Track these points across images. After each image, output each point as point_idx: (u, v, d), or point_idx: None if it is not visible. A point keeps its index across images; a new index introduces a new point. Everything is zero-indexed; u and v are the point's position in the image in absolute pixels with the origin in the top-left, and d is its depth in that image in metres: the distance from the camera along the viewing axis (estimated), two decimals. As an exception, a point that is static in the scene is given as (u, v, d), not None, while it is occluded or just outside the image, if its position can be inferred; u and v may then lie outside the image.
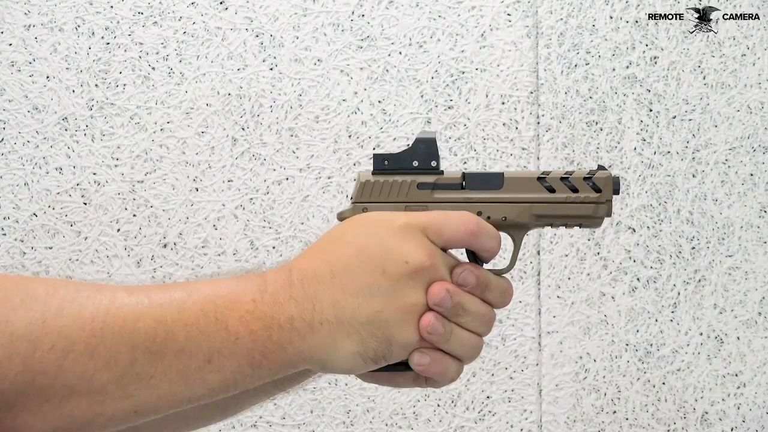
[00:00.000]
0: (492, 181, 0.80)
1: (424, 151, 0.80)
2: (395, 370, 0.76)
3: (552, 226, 0.82)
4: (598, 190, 0.81)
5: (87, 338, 0.66)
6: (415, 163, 0.80)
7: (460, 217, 0.76)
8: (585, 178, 0.81)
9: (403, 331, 0.73)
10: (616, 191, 0.81)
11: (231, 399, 0.77)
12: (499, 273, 0.79)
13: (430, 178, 0.80)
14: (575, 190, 0.81)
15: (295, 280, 0.72)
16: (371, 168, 0.81)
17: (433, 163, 0.80)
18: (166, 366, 0.68)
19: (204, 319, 0.69)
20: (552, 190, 0.81)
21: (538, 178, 0.81)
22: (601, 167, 0.82)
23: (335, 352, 0.71)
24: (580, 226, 0.81)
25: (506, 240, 0.82)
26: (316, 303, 0.71)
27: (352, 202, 0.80)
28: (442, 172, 0.80)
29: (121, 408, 0.67)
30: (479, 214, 0.79)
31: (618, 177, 0.82)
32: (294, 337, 0.70)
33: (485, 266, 0.79)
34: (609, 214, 0.81)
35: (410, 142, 0.84)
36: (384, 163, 0.80)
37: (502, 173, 0.81)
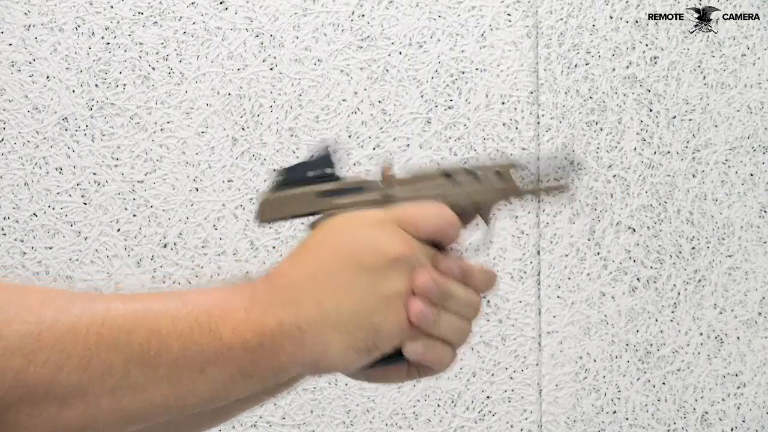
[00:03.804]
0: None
1: (318, 160, 0.80)
2: (390, 364, 0.76)
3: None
4: (501, 177, 0.80)
5: (81, 351, 0.66)
6: (310, 174, 0.80)
7: (438, 210, 0.76)
8: (490, 166, 0.80)
9: (389, 317, 0.72)
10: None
11: (221, 406, 0.77)
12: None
13: (328, 186, 0.80)
14: (479, 179, 0.80)
15: (277, 287, 0.72)
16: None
17: (329, 170, 0.80)
18: (159, 377, 0.67)
19: (198, 330, 0.69)
20: (457, 183, 0.80)
21: (444, 174, 0.80)
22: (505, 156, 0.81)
23: (327, 350, 0.71)
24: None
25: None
26: (300, 306, 0.71)
27: (257, 222, 0.81)
28: (338, 178, 0.80)
29: (112, 419, 0.67)
30: None
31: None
32: (285, 342, 0.70)
33: None
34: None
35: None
36: (280, 179, 0.80)
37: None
